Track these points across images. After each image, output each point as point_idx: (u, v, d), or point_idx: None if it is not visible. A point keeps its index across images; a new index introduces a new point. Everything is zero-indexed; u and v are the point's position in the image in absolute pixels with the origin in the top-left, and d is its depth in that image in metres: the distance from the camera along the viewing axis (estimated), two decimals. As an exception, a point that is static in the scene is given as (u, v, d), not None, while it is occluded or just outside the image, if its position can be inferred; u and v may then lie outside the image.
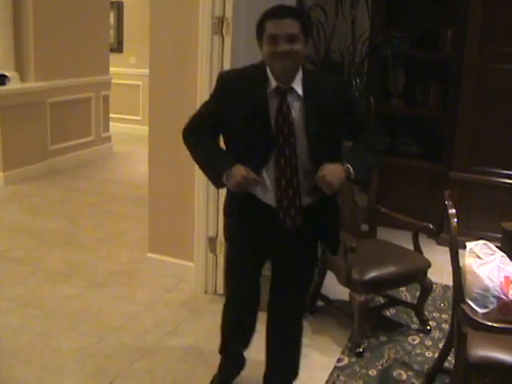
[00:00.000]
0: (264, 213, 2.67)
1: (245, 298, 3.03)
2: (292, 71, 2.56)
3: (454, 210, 2.84)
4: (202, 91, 3.95)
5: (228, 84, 2.69)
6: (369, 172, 2.82)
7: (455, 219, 2.81)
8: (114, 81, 8.67)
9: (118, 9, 9.93)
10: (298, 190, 2.61)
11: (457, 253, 2.84)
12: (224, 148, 2.73)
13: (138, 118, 10.15)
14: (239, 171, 2.48)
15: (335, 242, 2.90)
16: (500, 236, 3.63)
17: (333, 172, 2.49)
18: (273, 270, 2.94)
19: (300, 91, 2.58)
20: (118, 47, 10.03)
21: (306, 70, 2.65)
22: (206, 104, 2.79)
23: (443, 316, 4.15)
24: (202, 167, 2.73)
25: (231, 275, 3.03)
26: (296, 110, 2.57)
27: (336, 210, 2.86)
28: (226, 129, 2.69)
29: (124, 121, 10.14)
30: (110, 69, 8.57)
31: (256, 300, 3.03)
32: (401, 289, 4.40)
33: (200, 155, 2.71)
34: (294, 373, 3.11)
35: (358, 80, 4.85)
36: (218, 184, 2.63)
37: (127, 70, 9.96)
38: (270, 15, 2.53)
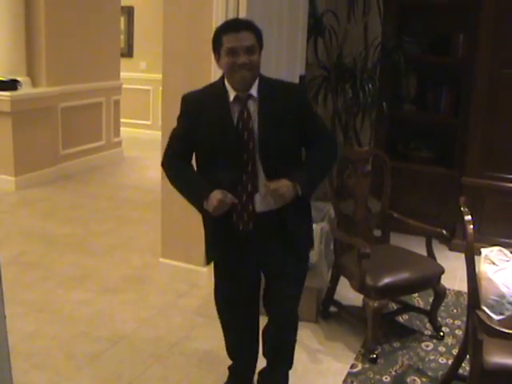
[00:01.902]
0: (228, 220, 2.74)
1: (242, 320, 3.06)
2: (250, 81, 2.66)
3: (470, 217, 2.83)
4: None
5: (191, 104, 2.80)
6: (315, 190, 2.86)
7: (471, 226, 2.80)
8: (124, 85, 8.67)
9: (129, 14, 9.96)
10: (253, 196, 2.69)
11: (473, 259, 2.83)
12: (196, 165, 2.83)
13: (149, 122, 10.18)
14: (215, 196, 2.59)
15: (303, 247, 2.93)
16: (514, 242, 3.62)
17: (285, 187, 2.60)
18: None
19: (255, 94, 2.67)
20: (128, 52, 10.05)
21: (262, 76, 2.74)
22: (175, 130, 2.87)
23: (456, 322, 4.13)
24: (184, 196, 2.79)
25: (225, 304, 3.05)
26: (254, 114, 2.67)
27: (306, 215, 2.90)
28: (197, 146, 2.78)
29: (134, 125, 10.16)
30: (120, 74, 8.59)
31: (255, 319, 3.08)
32: (413, 295, 4.38)
33: (181, 186, 2.80)
34: (290, 364, 3.10)
35: (370, 85, 4.84)
36: (202, 210, 2.71)
37: (137, 75, 10.00)
38: (227, 29, 2.63)
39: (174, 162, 2.85)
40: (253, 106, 2.67)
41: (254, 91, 2.67)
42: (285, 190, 2.60)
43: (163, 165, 2.89)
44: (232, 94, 2.66)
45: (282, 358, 3.04)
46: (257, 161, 2.66)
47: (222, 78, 2.74)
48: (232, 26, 2.64)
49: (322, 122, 2.89)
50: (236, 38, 2.57)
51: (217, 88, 2.75)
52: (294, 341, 3.03)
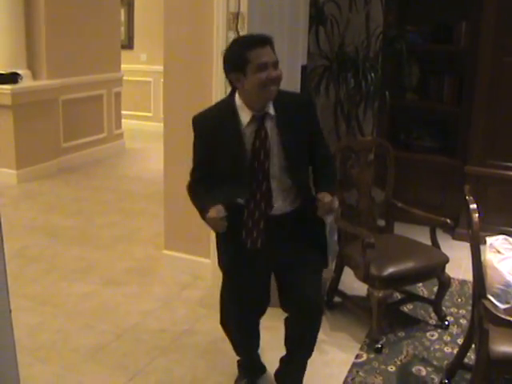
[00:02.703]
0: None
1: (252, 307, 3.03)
2: (274, 97, 2.63)
3: (475, 205, 2.81)
4: (217, 87, 3.94)
5: (202, 125, 2.75)
6: None
7: (477, 214, 2.78)
8: (125, 77, 8.65)
9: (129, 5, 9.91)
10: (265, 214, 2.71)
11: (478, 248, 2.81)
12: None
13: (150, 114, 10.17)
14: (210, 214, 2.59)
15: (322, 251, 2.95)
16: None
17: (334, 201, 2.64)
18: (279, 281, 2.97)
19: (272, 111, 2.66)
20: (128, 44, 10.02)
21: None
22: (194, 152, 2.83)
23: (461, 311, 4.12)
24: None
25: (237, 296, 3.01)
26: (271, 130, 2.66)
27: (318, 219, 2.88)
28: (213, 168, 2.76)
29: (135, 117, 10.12)
30: (121, 66, 8.55)
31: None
32: (418, 284, 4.37)
33: (195, 204, 2.80)
34: (311, 353, 3.09)
35: (372, 74, 4.82)
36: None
37: (138, 67, 9.96)
38: (252, 45, 2.56)
39: (195, 188, 2.84)
40: (270, 123, 2.66)
41: (269, 109, 2.65)
42: (335, 203, 2.64)
43: (187, 191, 2.86)
44: (247, 115, 2.64)
45: (306, 347, 3.02)
46: (271, 179, 2.68)
47: (231, 97, 2.71)
48: (255, 42, 2.56)
49: (322, 135, 2.92)
50: (264, 52, 2.54)
51: (226, 109, 2.71)
52: (318, 329, 3.01)
